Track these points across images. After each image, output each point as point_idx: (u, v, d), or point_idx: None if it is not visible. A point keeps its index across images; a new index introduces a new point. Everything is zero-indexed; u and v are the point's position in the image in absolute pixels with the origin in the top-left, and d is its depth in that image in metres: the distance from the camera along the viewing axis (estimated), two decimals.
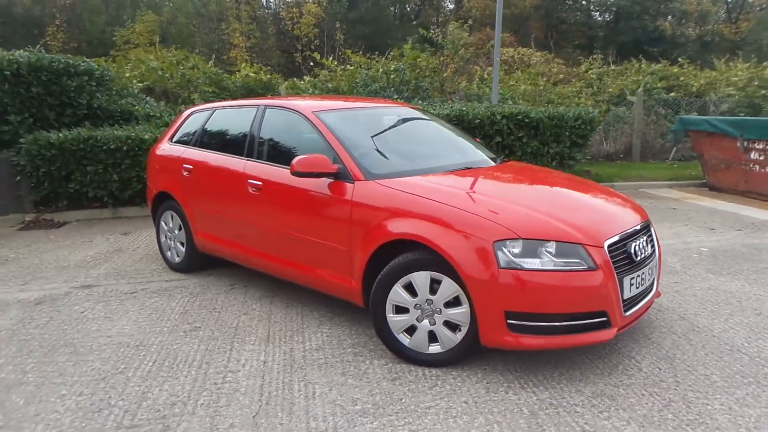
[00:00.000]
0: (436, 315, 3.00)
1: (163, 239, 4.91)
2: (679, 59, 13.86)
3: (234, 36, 28.71)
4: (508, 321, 2.76)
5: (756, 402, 2.71)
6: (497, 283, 2.74)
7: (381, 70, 10.99)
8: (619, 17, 36.45)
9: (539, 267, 2.74)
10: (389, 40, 33.12)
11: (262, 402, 2.74)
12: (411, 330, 3.08)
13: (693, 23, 36.89)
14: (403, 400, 2.74)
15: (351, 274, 3.34)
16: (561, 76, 12.65)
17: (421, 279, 2.98)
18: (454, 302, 2.95)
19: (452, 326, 2.99)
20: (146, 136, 7.10)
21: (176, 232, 4.71)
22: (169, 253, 4.86)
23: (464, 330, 2.96)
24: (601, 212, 3.20)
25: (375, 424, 2.54)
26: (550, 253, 2.77)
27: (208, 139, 4.49)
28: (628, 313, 2.97)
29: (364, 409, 2.67)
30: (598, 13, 38.27)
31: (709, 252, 5.30)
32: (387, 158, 3.61)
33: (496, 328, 2.79)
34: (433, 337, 3.04)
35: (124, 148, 6.99)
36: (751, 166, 7.85)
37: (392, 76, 10.69)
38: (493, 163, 3.93)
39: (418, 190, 3.14)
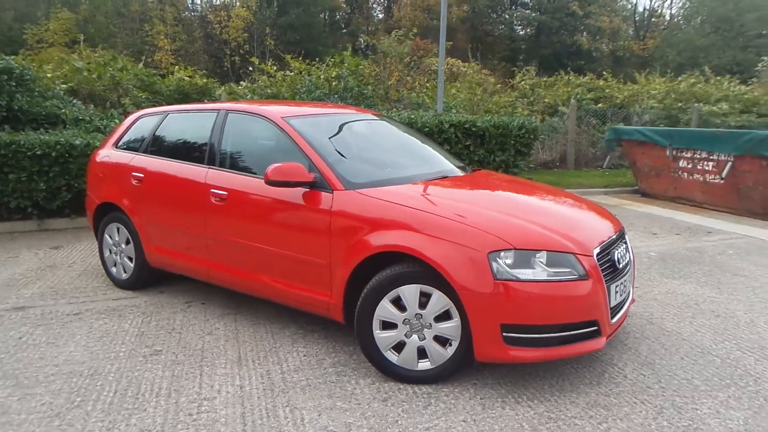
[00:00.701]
0: (425, 330, 2.88)
1: (107, 254, 4.50)
2: (603, 73, 14.60)
3: (159, 38, 27.51)
4: (504, 334, 2.69)
5: (739, 404, 2.79)
6: (493, 295, 2.66)
7: (322, 77, 10.80)
8: (540, 32, 38.11)
9: (534, 278, 2.69)
10: (320, 47, 32.94)
11: None
12: (399, 346, 2.94)
13: (606, 39, 39.18)
14: (399, 422, 2.60)
15: (330, 288, 3.16)
16: (498, 86, 13.00)
17: (410, 292, 2.86)
18: (444, 316, 2.85)
19: (442, 341, 2.89)
20: (77, 142, 6.54)
21: (123, 246, 4.33)
22: (114, 269, 4.46)
23: (455, 344, 2.87)
24: (583, 221, 3.21)
25: None
26: (542, 263, 2.73)
27: (161, 146, 4.16)
28: (613, 321, 2.98)
29: None
30: (520, 28, 39.82)
31: (657, 256, 5.51)
32: (363, 167, 3.46)
33: (492, 341, 2.71)
34: (422, 354, 2.92)
35: (53, 155, 6.39)
36: (679, 173, 8.31)
37: (334, 83, 10.54)
38: (464, 172, 3.87)
39: (403, 199, 3.02)
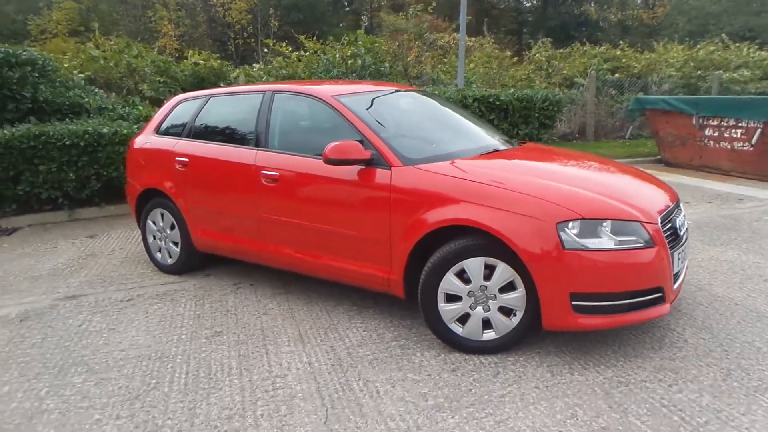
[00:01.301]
0: (490, 301, 2.91)
1: (151, 240, 4.53)
2: (620, 42, 14.41)
3: (162, 24, 27.34)
4: (573, 303, 2.71)
5: None
6: (562, 265, 2.67)
7: (338, 55, 10.73)
8: (547, 3, 37.58)
9: (602, 246, 2.70)
10: (324, 26, 32.66)
11: (327, 406, 2.56)
12: (463, 318, 2.97)
13: (615, 8, 38.56)
14: (473, 391, 2.64)
15: (390, 264, 3.19)
16: (515, 59, 12.88)
17: (474, 265, 2.88)
18: (509, 287, 2.87)
19: (506, 312, 2.91)
20: (104, 130, 6.54)
21: (168, 231, 4.36)
22: (159, 255, 4.50)
23: (519, 315, 2.89)
24: (643, 190, 3.21)
25: (456, 419, 2.43)
26: (608, 231, 2.73)
27: (205, 130, 4.16)
28: (675, 287, 2.99)
29: (438, 404, 2.55)
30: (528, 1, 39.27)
31: (693, 224, 5.50)
32: (415, 142, 3.46)
33: (561, 310, 2.73)
34: (486, 325, 2.95)
35: (81, 144, 6.40)
36: (705, 141, 8.25)
37: (350, 62, 10.47)
38: (513, 146, 3.86)
39: (464, 174, 3.02)
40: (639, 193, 3.12)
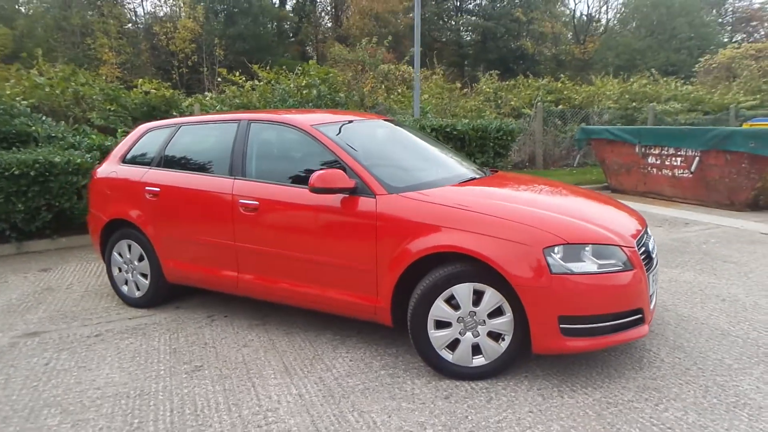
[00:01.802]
0: (479, 326, 2.96)
1: (116, 272, 4.35)
2: (561, 75, 15.16)
3: (102, 51, 26.58)
4: (561, 326, 2.80)
5: None
6: (551, 289, 2.76)
7: (292, 85, 10.76)
8: (486, 37, 39.10)
9: (586, 270, 2.81)
10: (270, 56, 32.66)
11: None
12: (453, 344, 3.00)
13: (549, 43, 40.57)
14: (469, 418, 2.66)
15: (376, 292, 3.19)
16: (465, 90, 13.29)
17: (463, 291, 2.93)
18: (497, 312, 2.93)
19: (495, 336, 2.97)
20: (56, 159, 6.27)
21: (136, 263, 4.21)
22: (125, 288, 4.32)
23: (508, 339, 2.95)
24: (616, 215, 3.37)
25: None
26: (590, 255, 2.85)
27: (176, 159, 4.07)
28: (651, 308, 3.14)
29: (437, 431, 2.55)
30: (467, 34, 40.70)
31: None
32: (395, 171, 3.51)
33: (550, 333, 2.81)
34: (475, 350, 2.99)
35: (31, 174, 6.11)
36: (649, 169, 8.74)
37: (304, 92, 10.52)
38: (485, 174, 3.97)
39: (447, 201, 3.09)
40: (613, 218, 3.27)
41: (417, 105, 8.96)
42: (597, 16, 46.90)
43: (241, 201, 3.59)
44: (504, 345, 2.96)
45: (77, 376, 3.19)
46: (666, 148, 8.36)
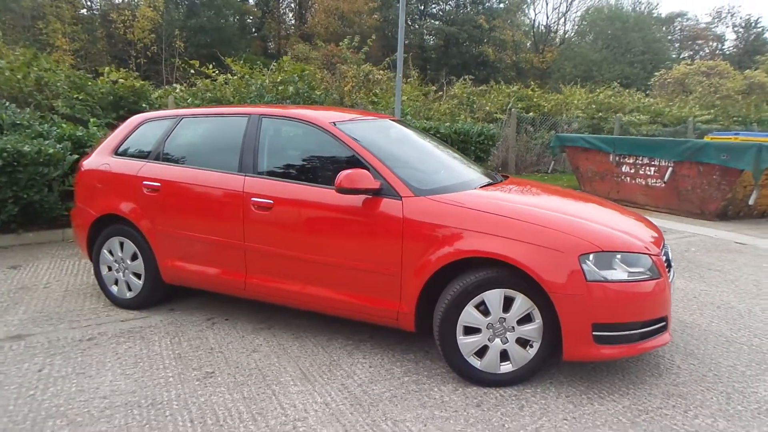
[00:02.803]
0: (508, 333, 2.91)
1: (105, 271, 4.09)
2: (531, 83, 15.43)
3: (55, 37, 25.38)
4: (594, 333, 2.78)
5: None
6: (586, 296, 2.75)
7: (267, 81, 10.52)
8: (449, 42, 39.51)
9: (618, 278, 2.81)
10: (232, 50, 32.01)
11: None
12: (481, 351, 2.95)
13: (510, 51, 41.38)
14: (506, 426, 2.61)
15: (400, 297, 3.11)
16: (440, 93, 13.34)
17: (494, 297, 2.88)
18: (526, 319, 2.90)
19: (522, 343, 2.93)
20: (26, 149, 5.89)
21: (128, 262, 3.97)
22: (115, 288, 4.07)
23: (536, 346, 2.92)
24: (638, 224, 3.39)
25: None
26: (620, 263, 2.85)
27: (178, 153, 3.87)
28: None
29: None
30: (431, 38, 40.97)
31: None
32: (417, 173, 3.43)
33: (583, 341, 2.79)
34: (502, 357, 2.95)
35: None
36: (622, 177, 8.97)
37: (280, 88, 10.30)
38: (498, 179, 3.94)
39: (478, 206, 3.04)
40: (636, 227, 3.30)
41: (398, 107, 8.90)
42: (555, 27, 48.16)
43: (253, 199, 3.44)
44: (532, 352, 2.93)
45: (78, 384, 2.97)
46: (640, 158, 8.60)
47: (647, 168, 8.52)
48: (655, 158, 8.38)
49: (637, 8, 46.76)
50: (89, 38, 27.90)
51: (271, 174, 3.50)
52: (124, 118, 9.75)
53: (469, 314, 2.90)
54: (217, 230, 3.59)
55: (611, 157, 9.01)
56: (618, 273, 2.83)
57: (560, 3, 58.34)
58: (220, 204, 3.57)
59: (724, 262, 5.66)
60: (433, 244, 2.98)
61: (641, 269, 2.89)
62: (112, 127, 8.42)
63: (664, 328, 3.01)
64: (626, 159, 8.84)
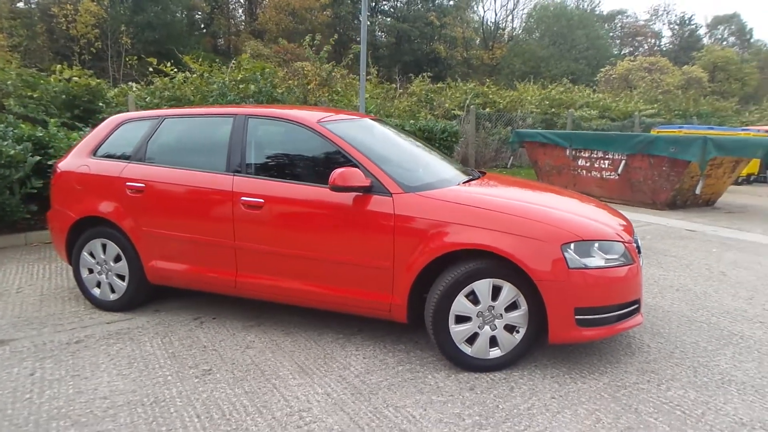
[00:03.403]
0: (496, 320, 3.09)
1: (85, 274, 4.05)
2: (487, 80, 15.81)
3: None
4: (577, 317, 2.99)
5: (744, 357, 3.39)
6: (569, 282, 2.95)
7: (227, 79, 10.42)
8: (401, 40, 39.78)
9: (596, 264, 3.03)
10: (181, 47, 31.26)
11: None
12: (471, 338, 3.11)
13: (461, 48, 42.01)
14: (500, 407, 2.79)
15: (391, 290, 3.24)
16: (400, 91, 13.51)
17: (483, 287, 3.05)
18: (512, 306, 3.08)
19: (509, 329, 3.12)
20: None
21: (111, 263, 3.94)
22: (97, 291, 4.03)
23: (522, 331, 3.11)
24: (608, 214, 3.63)
25: None
26: (597, 251, 3.07)
27: (162, 153, 3.86)
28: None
29: (476, 422, 2.65)
30: (382, 35, 41.12)
31: None
32: (403, 170, 3.56)
33: (566, 324, 3.00)
34: (491, 343, 3.13)
35: None
36: (578, 171, 9.37)
37: (242, 86, 10.23)
38: (476, 175, 4.11)
39: (465, 200, 3.20)
40: (608, 216, 3.54)
41: (362, 104, 9.01)
42: (503, 24, 49.17)
43: (242, 198, 3.49)
44: (518, 337, 3.12)
45: (74, 386, 2.97)
46: (595, 152, 9.01)
47: (602, 161, 8.94)
48: (609, 152, 8.81)
49: (581, 5, 48.39)
50: (28, 33, 26.65)
51: (259, 173, 3.56)
52: (78, 118, 9.53)
53: (461, 304, 3.06)
54: (205, 230, 3.62)
55: (568, 152, 9.40)
56: (596, 260, 3.04)
57: (507, 0, 59.76)
58: (208, 204, 3.61)
59: (677, 248, 6.06)
60: (424, 239, 3.12)
61: (616, 256, 3.12)
62: (68, 127, 8.22)
63: (637, 310, 3.26)
64: (582, 153, 9.24)
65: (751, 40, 55.19)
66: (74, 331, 3.70)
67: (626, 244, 3.18)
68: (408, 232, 3.16)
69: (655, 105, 17.14)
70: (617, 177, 8.75)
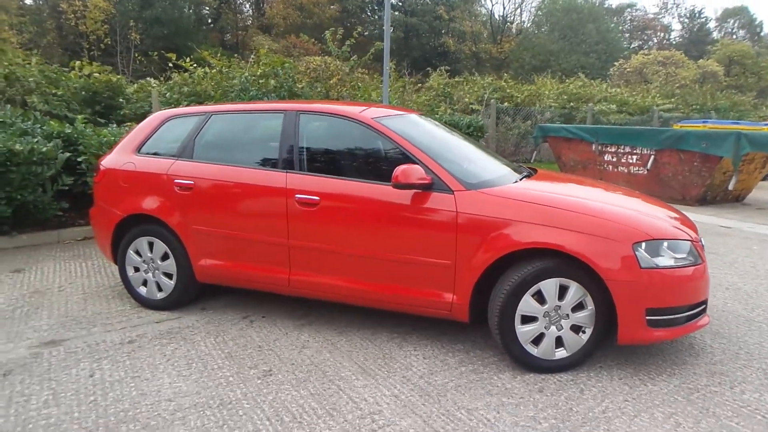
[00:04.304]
0: (563, 320, 3.03)
1: (131, 273, 4.00)
2: (505, 74, 15.70)
3: (1, 29, 24.13)
4: (648, 317, 2.92)
5: None
6: (640, 282, 2.88)
7: (247, 74, 10.35)
8: (409, 34, 39.59)
9: (667, 264, 2.95)
10: (189, 42, 31.20)
11: None
12: (537, 339, 3.05)
13: (469, 42, 41.79)
14: (574, 410, 2.73)
15: (453, 288, 3.18)
16: (418, 86, 13.43)
17: (550, 286, 2.98)
18: (579, 306, 3.02)
19: (576, 329, 3.05)
20: (18, 147, 5.66)
21: (159, 262, 3.90)
22: (143, 289, 3.99)
23: (588, 332, 3.05)
24: (672, 212, 3.54)
25: None
26: (667, 250, 3.00)
27: (210, 150, 3.80)
28: None
29: (552, 425, 2.59)
30: (391, 29, 40.89)
31: None
32: (458, 167, 3.49)
33: (637, 325, 2.93)
34: (557, 343, 3.06)
35: None
36: (605, 166, 9.27)
37: (261, 81, 10.16)
38: (529, 172, 4.03)
39: (529, 198, 3.13)
40: (673, 216, 3.46)
41: (386, 98, 8.93)
42: (512, 18, 48.90)
43: (297, 196, 3.43)
44: (585, 337, 3.06)
45: (137, 387, 2.92)
46: (622, 147, 8.91)
47: (629, 156, 8.84)
48: (636, 147, 8.71)
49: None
50: (38, 30, 26.68)
51: (313, 170, 3.50)
52: (100, 114, 9.48)
53: (528, 303, 3.00)
54: (257, 227, 3.57)
55: (594, 147, 9.30)
56: (666, 259, 2.97)
57: None
58: (260, 201, 3.55)
59: (717, 245, 5.97)
60: (487, 237, 3.06)
61: (684, 255, 3.04)
62: (93, 123, 8.17)
63: (704, 311, 3.19)
64: (608, 148, 9.14)
65: (762, 34, 54.81)
66: (125, 330, 3.66)
67: (694, 243, 3.10)
68: (471, 230, 3.09)
69: (673, 99, 16.99)
70: (646, 172, 8.65)
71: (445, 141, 3.90)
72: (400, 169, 3.08)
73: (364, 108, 3.69)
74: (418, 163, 3.24)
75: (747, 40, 49.65)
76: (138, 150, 4.03)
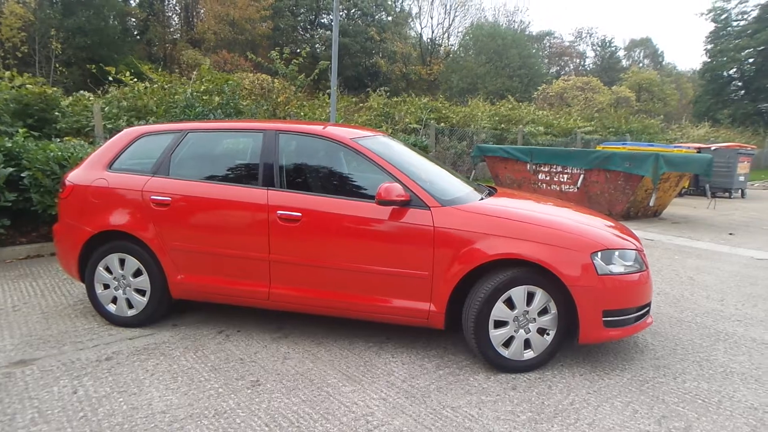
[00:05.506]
0: (530, 324, 3.34)
1: (100, 290, 3.96)
2: (440, 96, 16.30)
3: None
4: (604, 319, 3.28)
5: (735, 350, 3.80)
6: (598, 288, 3.24)
7: (189, 90, 10.26)
8: (342, 53, 40.03)
9: (619, 271, 3.34)
10: (115, 54, 30.14)
11: None
12: (508, 341, 3.34)
13: (400, 63, 42.84)
14: (545, 403, 3.02)
15: (430, 298, 3.42)
16: (360, 105, 13.71)
17: (519, 293, 3.29)
18: (543, 311, 3.34)
19: (541, 332, 3.37)
20: None
21: (131, 278, 3.89)
22: (113, 307, 3.96)
23: (552, 334, 3.38)
24: (616, 224, 3.97)
25: (557, 427, 2.78)
26: (618, 258, 3.39)
27: (187, 167, 3.86)
28: None
29: (530, 417, 2.87)
30: (323, 48, 41.22)
31: None
32: (434, 184, 3.75)
33: (595, 326, 3.28)
34: (525, 345, 3.37)
35: None
36: (539, 184, 9.90)
37: (205, 98, 10.11)
38: (494, 190, 4.35)
39: (500, 214, 3.43)
40: (617, 227, 3.88)
41: (334, 116, 9.14)
42: (440, 41, 50.57)
43: (279, 212, 3.57)
44: (549, 339, 3.38)
45: (126, 402, 2.94)
46: (555, 166, 9.56)
47: (561, 175, 9.50)
48: (568, 166, 9.38)
49: (512, 26, 50.57)
50: None
51: (294, 187, 3.65)
52: (32, 127, 9.12)
53: (500, 309, 3.29)
54: (238, 243, 3.66)
55: (528, 166, 9.92)
56: (617, 267, 3.35)
57: (444, 18, 61.64)
58: (241, 217, 3.65)
59: None
60: (461, 249, 3.33)
61: (631, 262, 3.44)
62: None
63: (648, 312, 3.60)
64: (542, 168, 9.78)
65: (663, 62, 59.78)
66: (98, 348, 3.63)
67: (639, 252, 3.51)
68: (447, 244, 3.35)
69: (592, 122, 18.27)
70: (576, 190, 9.32)
71: (414, 160, 4.16)
72: (383, 187, 3.30)
73: (338, 127, 3.90)
74: (396, 182, 3.47)
75: (651, 68, 53.89)
76: (109, 166, 4.02)
